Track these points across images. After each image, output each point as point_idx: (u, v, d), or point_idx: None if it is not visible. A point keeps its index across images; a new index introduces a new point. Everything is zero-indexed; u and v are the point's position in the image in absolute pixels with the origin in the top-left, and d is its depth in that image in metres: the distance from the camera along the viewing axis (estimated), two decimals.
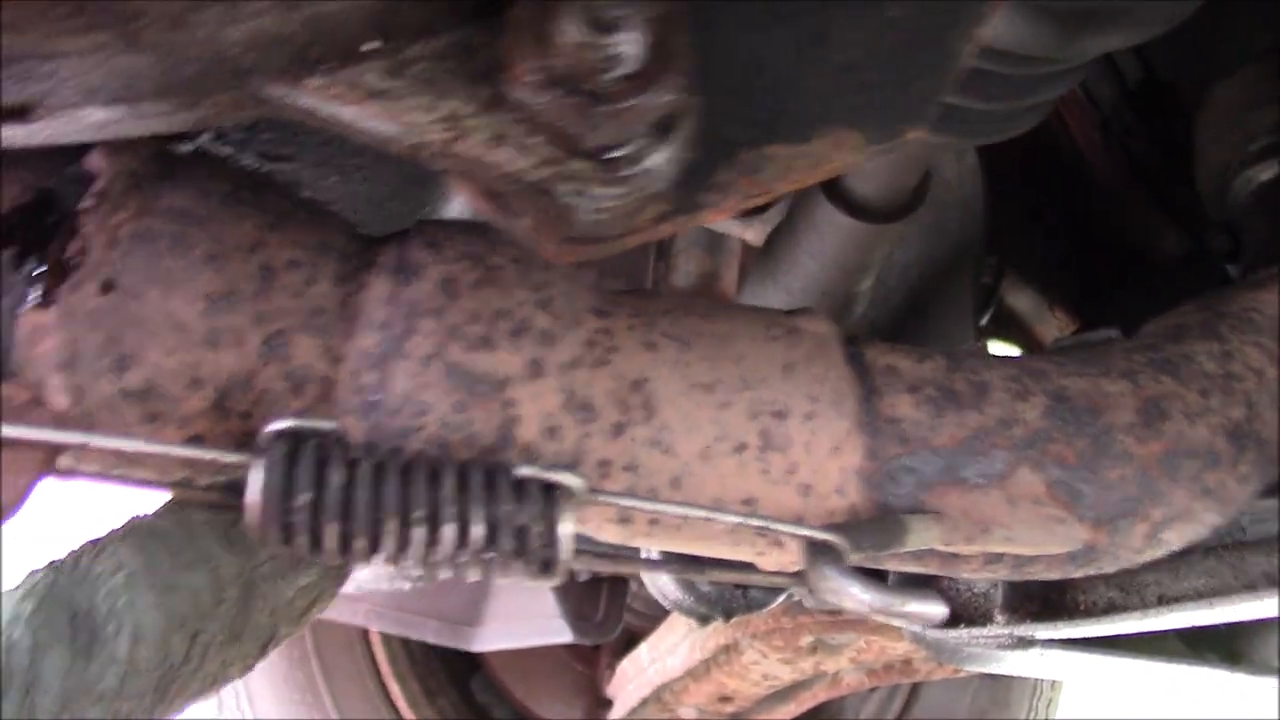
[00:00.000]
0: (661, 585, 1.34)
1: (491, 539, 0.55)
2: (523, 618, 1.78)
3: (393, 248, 0.63)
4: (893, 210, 1.02)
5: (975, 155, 1.35)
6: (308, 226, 0.63)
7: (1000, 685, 2.18)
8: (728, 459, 0.62)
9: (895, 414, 0.64)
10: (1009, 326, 1.84)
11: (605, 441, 0.61)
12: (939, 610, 0.57)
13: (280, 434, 0.56)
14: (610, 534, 0.62)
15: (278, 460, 0.54)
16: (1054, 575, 0.68)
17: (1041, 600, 1.06)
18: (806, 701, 1.94)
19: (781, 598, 1.30)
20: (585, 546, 0.62)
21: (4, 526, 0.59)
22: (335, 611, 1.79)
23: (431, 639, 1.85)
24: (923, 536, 0.60)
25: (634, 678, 1.99)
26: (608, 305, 0.65)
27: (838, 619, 1.62)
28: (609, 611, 1.83)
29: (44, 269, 0.57)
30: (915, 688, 2.19)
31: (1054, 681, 2.23)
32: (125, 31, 0.43)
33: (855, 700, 2.24)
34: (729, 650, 1.74)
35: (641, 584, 2.03)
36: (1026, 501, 0.63)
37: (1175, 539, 0.68)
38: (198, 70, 0.47)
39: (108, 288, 0.58)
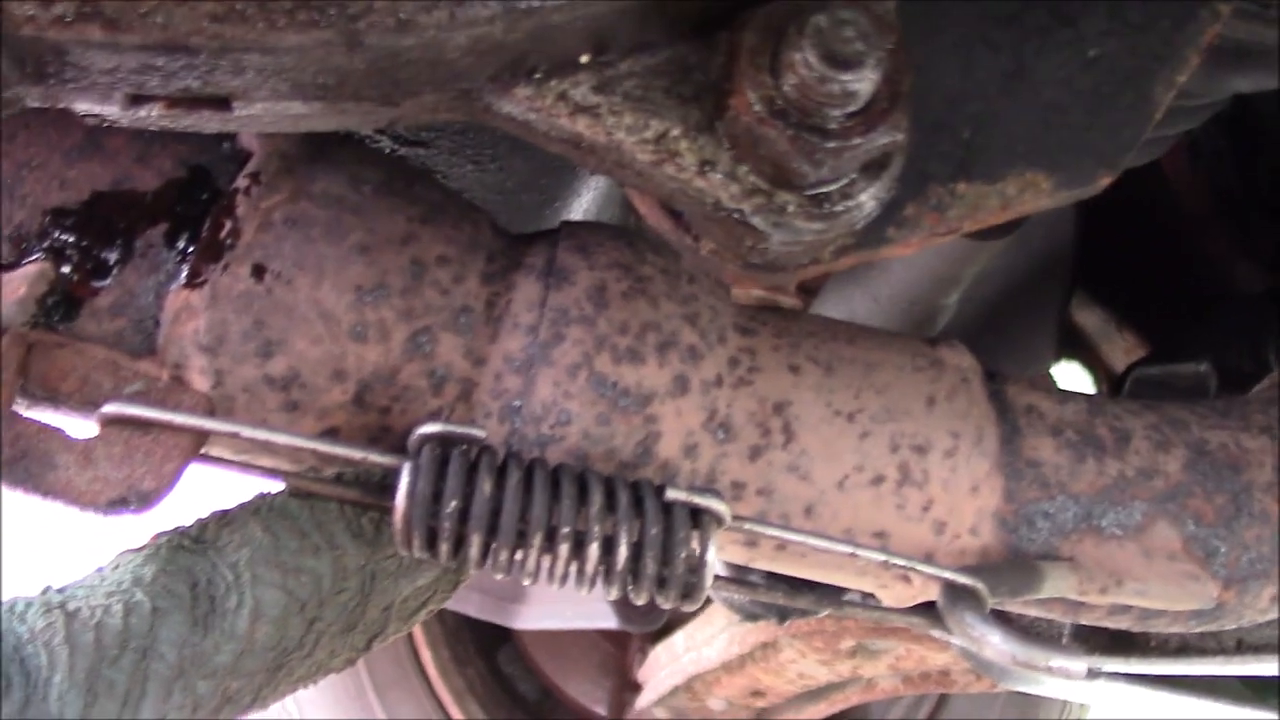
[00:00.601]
0: (721, 594, 1.34)
1: (636, 560, 0.55)
2: (567, 599, 1.78)
3: (541, 249, 0.62)
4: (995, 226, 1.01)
5: None
6: (458, 222, 0.62)
7: (1023, 702, 2.18)
8: (864, 490, 0.61)
9: (1036, 457, 0.63)
10: (1074, 344, 1.82)
11: (742, 463, 0.60)
12: (1080, 667, 0.56)
13: (429, 438, 0.55)
14: (734, 555, 0.62)
15: (428, 465, 0.54)
16: (1174, 629, 0.67)
17: (1112, 634, 1.05)
18: (838, 703, 1.94)
19: (834, 604, 1.29)
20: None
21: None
22: None
23: (474, 612, 1.85)
24: (1058, 585, 0.59)
25: (667, 664, 1.99)
26: (752, 323, 0.64)
27: (882, 624, 1.62)
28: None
29: (195, 248, 0.57)
30: (941, 701, 2.18)
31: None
32: (348, 30, 0.42)
33: (882, 703, 2.23)
34: (767, 647, 1.74)
35: None
36: (1162, 556, 0.62)
37: None
38: (410, 73, 0.46)
39: (259, 272, 0.57)
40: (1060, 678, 0.57)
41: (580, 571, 0.55)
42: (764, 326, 0.64)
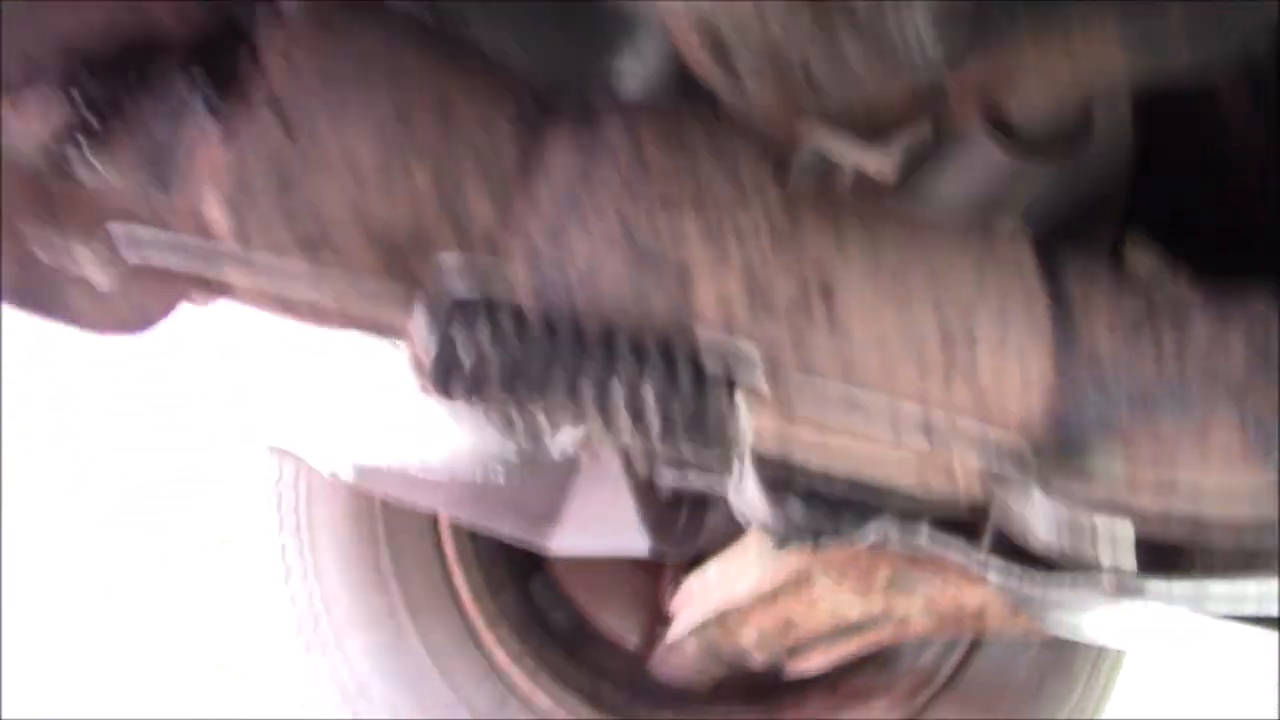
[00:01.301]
0: (749, 506, 1.33)
1: (666, 409, 0.53)
2: (601, 524, 1.77)
3: (576, 100, 0.60)
4: (1052, 146, 0.98)
5: (1127, 106, 1.29)
6: (490, 77, 0.60)
7: (1063, 649, 2.16)
8: (909, 369, 0.59)
9: (1091, 342, 0.61)
10: None
11: (782, 340, 0.58)
12: (1129, 560, 0.54)
13: (451, 286, 0.53)
14: (770, 440, 0.60)
15: (447, 301, 0.52)
16: (1227, 543, 0.65)
17: (1156, 552, 1.03)
18: (871, 640, 1.92)
19: (871, 531, 1.27)
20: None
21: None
22: (413, 495, 1.79)
23: (507, 534, 1.85)
24: (1109, 473, 0.57)
25: (699, 596, 1.98)
26: (800, 193, 0.61)
27: (916, 558, 1.60)
28: (688, 528, 1.82)
29: (219, 93, 0.55)
30: (975, 643, 2.16)
31: (1113, 667, 2.19)
32: None
33: (912, 649, 2.22)
34: (800, 580, 1.73)
35: (718, 505, 2.02)
36: (1219, 451, 0.60)
37: None
38: None
39: (283, 116, 0.56)
40: (1106, 556, 0.54)
41: (605, 423, 0.53)
42: (811, 195, 0.61)
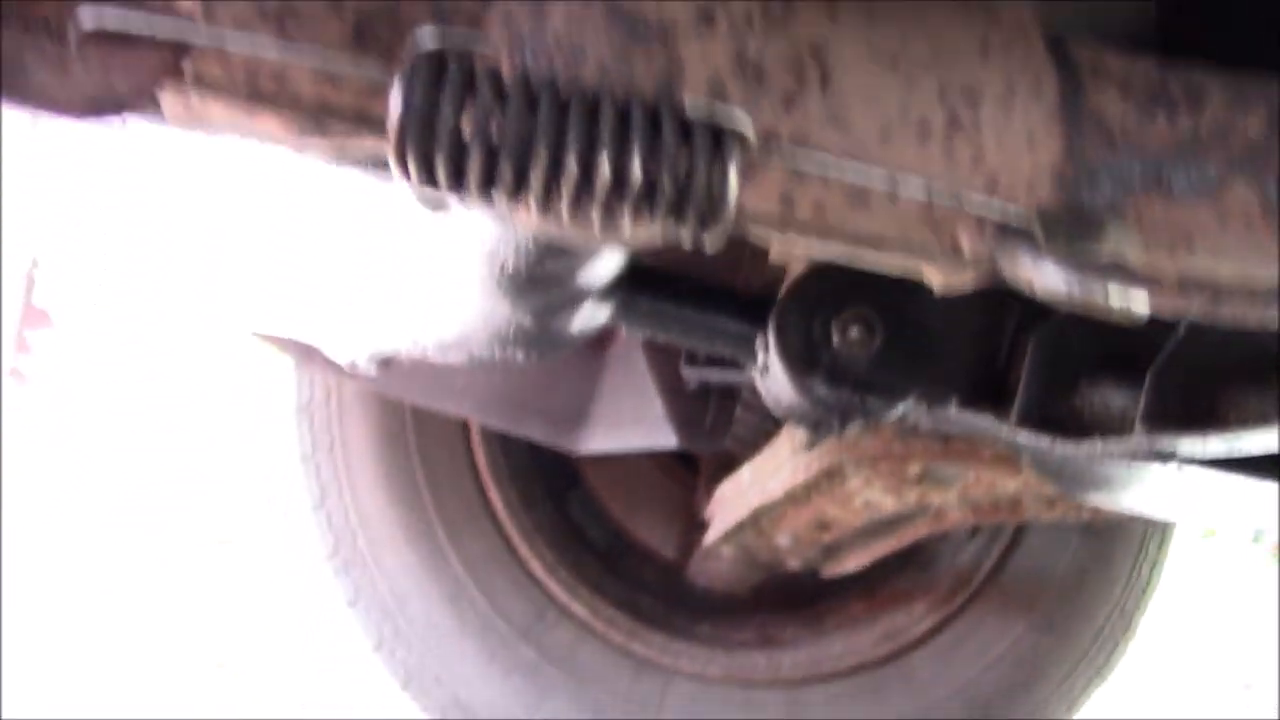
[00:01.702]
0: (776, 392, 1.31)
1: (651, 181, 0.51)
2: (629, 421, 1.76)
3: None
4: None
5: None
6: None
7: (1103, 541, 2.14)
8: (909, 140, 0.56)
9: (1101, 110, 0.58)
10: None
11: (775, 111, 0.55)
12: (1142, 307, 0.52)
13: (427, 53, 0.51)
14: (767, 216, 0.57)
15: (423, 77, 0.50)
16: (1250, 320, 0.62)
17: (1185, 411, 1.01)
18: (907, 536, 1.92)
19: (899, 410, 1.25)
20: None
21: None
22: (440, 402, 1.79)
23: (536, 436, 1.85)
24: (1121, 242, 0.55)
25: (732, 500, 1.98)
26: None
27: (950, 447, 1.58)
28: (716, 421, 1.81)
29: None
30: (1015, 537, 2.14)
31: (1160, 540, 2.17)
32: None
33: (951, 546, 2.20)
34: (833, 475, 1.71)
35: (748, 405, 2.00)
36: (1238, 219, 0.57)
37: None
38: None
39: None
40: (1124, 316, 0.52)
41: (593, 194, 0.51)
42: None
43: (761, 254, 1.49)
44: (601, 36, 0.53)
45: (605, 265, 0.95)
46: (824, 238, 0.56)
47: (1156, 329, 1.07)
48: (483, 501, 2.11)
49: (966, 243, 0.56)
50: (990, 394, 1.23)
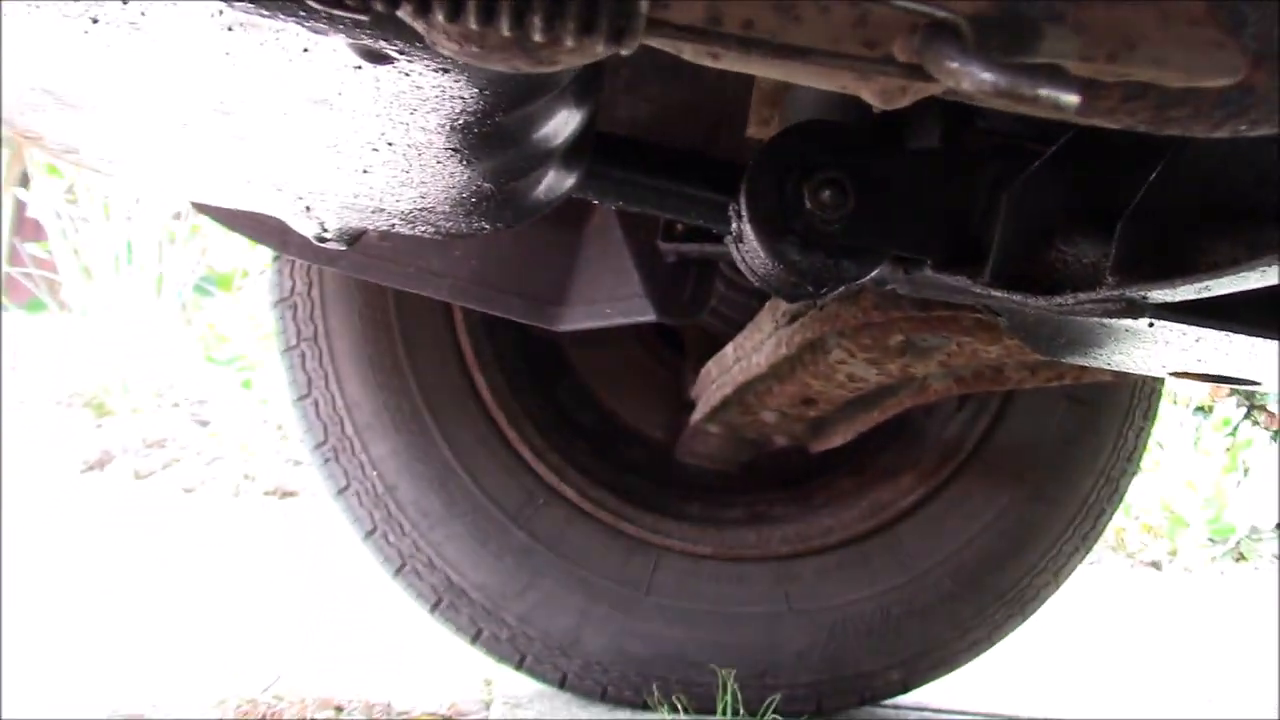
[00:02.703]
0: (751, 259, 1.30)
1: None
2: (607, 298, 1.76)
3: None
4: None
5: None
6: None
7: (1089, 410, 2.14)
8: None
9: None
10: None
11: None
12: (1071, 98, 0.50)
13: None
14: (694, 31, 0.55)
15: None
16: (1199, 127, 0.61)
17: (1156, 259, 1.00)
18: (891, 409, 1.92)
19: (874, 273, 1.24)
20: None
21: None
22: (418, 285, 1.78)
23: (516, 316, 1.84)
24: (1058, 45, 0.53)
25: (717, 378, 1.98)
26: None
27: (930, 316, 1.57)
28: (695, 293, 1.80)
29: None
30: (1000, 410, 2.15)
31: (1147, 408, 2.17)
32: None
33: (938, 420, 2.21)
34: (815, 348, 1.71)
35: (730, 281, 1.99)
36: (1181, 20, 0.56)
37: None
38: None
39: None
40: (1052, 110, 0.50)
41: (500, 6, 0.49)
42: None
43: (736, 123, 1.47)
44: None
45: (560, 123, 0.93)
46: (755, 52, 0.54)
47: (1127, 179, 1.06)
48: (469, 387, 2.11)
49: (899, 51, 0.54)
50: (965, 254, 1.22)
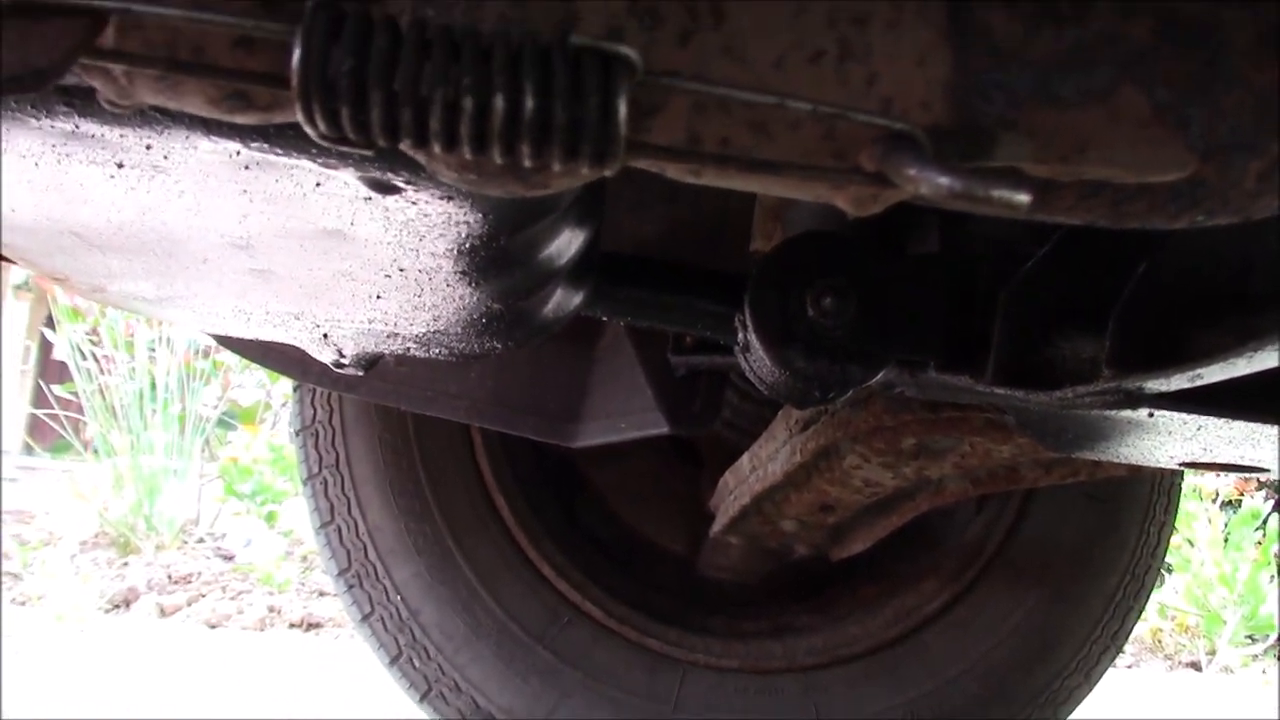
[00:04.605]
0: (759, 368, 1.33)
1: (545, 114, 0.53)
2: (620, 413, 1.78)
3: None
4: None
5: None
6: None
7: (1109, 506, 2.14)
8: (804, 68, 0.58)
9: (987, 25, 0.60)
10: None
11: (672, 49, 0.57)
12: (1022, 197, 0.53)
13: (323, 5, 0.53)
14: (676, 151, 0.59)
15: (320, 30, 0.52)
16: (1157, 219, 0.64)
17: (1149, 351, 1.02)
18: (908, 512, 1.93)
19: (880, 376, 1.27)
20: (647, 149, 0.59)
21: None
22: (436, 408, 1.81)
23: (533, 434, 1.87)
24: (1012, 150, 0.56)
25: (735, 488, 1.99)
26: None
27: (940, 417, 1.59)
28: (706, 404, 1.82)
29: None
30: (1020, 511, 2.15)
31: (1167, 502, 2.17)
32: None
33: (958, 523, 2.22)
34: (829, 454, 1.73)
35: (742, 392, 2.02)
36: (1129, 121, 0.59)
37: None
38: None
39: None
40: (1006, 210, 0.53)
41: (490, 130, 0.53)
42: None
43: (737, 236, 1.51)
44: None
45: (564, 244, 0.97)
46: (734, 169, 0.58)
47: (1118, 274, 1.09)
48: (490, 508, 2.13)
49: (865, 161, 0.58)
50: (967, 354, 1.24)
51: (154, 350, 5.54)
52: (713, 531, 2.10)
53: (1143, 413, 1.08)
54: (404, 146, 0.54)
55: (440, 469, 2.10)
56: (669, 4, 0.57)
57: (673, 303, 1.36)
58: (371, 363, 1.22)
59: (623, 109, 0.53)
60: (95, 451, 5.50)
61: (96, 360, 5.52)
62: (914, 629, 2.13)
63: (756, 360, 1.32)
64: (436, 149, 0.53)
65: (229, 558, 5.05)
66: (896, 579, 2.23)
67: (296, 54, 0.52)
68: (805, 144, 0.58)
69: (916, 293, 1.28)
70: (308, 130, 0.54)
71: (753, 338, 1.28)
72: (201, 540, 5.31)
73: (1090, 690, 2.16)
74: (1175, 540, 5.90)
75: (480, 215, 0.78)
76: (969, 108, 0.58)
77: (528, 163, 0.53)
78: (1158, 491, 2.17)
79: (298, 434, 2.14)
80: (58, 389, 5.76)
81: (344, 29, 0.52)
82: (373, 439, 2.09)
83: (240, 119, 0.57)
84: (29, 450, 7.06)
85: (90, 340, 5.63)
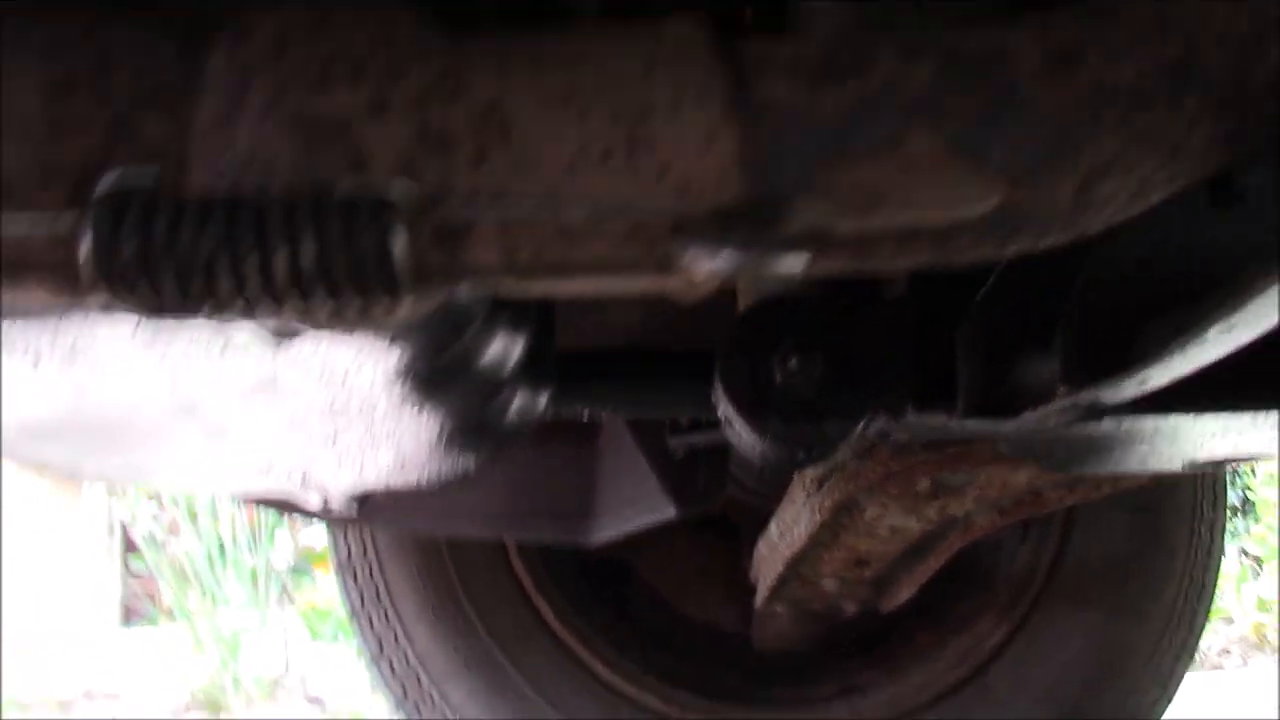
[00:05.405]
0: (743, 439, 1.34)
1: (326, 262, 0.55)
2: (629, 503, 1.79)
3: (229, 17, 0.64)
4: None
5: None
6: (147, 11, 0.64)
7: (1153, 514, 2.10)
8: (596, 169, 0.60)
9: (771, 95, 0.61)
10: None
11: (469, 172, 0.59)
12: (798, 260, 0.53)
13: (107, 193, 0.56)
14: (496, 268, 0.61)
15: (105, 212, 0.55)
16: (986, 251, 0.64)
17: (1097, 361, 1.02)
18: (945, 553, 1.90)
19: (860, 428, 1.27)
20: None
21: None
22: (452, 526, 1.83)
23: (549, 538, 1.88)
24: (807, 215, 0.57)
25: (769, 557, 1.99)
26: (462, 42, 0.64)
27: (947, 453, 1.58)
28: (709, 481, 1.82)
29: None
30: (1064, 533, 2.12)
31: (1214, 499, 2.13)
32: None
33: (1003, 555, 2.18)
34: (849, 509, 1.72)
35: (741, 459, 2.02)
36: (924, 165, 0.60)
37: (1117, 190, 0.64)
38: None
39: None
40: (790, 270, 0.54)
41: (276, 288, 0.55)
42: (475, 41, 0.64)
43: (693, 312, 1.53)
44: (285, 144, 0.59)
45: (501, 351, 0.99)
46: (554, 275, 0.59)
47: (1063, 290, 1.09)
48: (534, 615, 2.13)
49: (682, 260, 0.59)
50: (940, 392, 1.24)
51: (218, 509, 5.62)
52: (757, 604, 2.09)
53: (1112, 423, 1.08)
54: (206, 313, 0.57)
55: (479, 584, 2.11)
56: (457, 127, 0.60)
57: (642, 389, 1.38)
58: (361, 499, 1.24)
59: (398, 246, 0.55)
60: (173, 617, 5.58)
61: (165, 530, 5.62)
62: (977, 670, 2.10)
63: (738, 431, 1.33)
64: (236, 311, 0.56)
65: (318, 701, 5.07)
66: (951, 621, 2.19)
67: (85, 244, 0.55)
68: (614, 243, 0.60)
69: (883, 339, 1.29)
70: (97, 305, 0.56)
71: (729, 410, 1.29)
72: (289, 689, 5.33)
73: (1169, 701, 2.11)
74: (1260, 530, 5.75)
75: (390, 344, 0.81)
76: (763, 178, 0.60)
77: (326, 309, 0.56)
78: (1200, 491, 2.13)
79: (337, 573, 2.17)
80: (132, 562, 5.86)
81: (128, 213, 0.55)
82: (408, 565, 2.11)
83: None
84: (124, 622, 7.15)
85: (157, 511, 5.73)
